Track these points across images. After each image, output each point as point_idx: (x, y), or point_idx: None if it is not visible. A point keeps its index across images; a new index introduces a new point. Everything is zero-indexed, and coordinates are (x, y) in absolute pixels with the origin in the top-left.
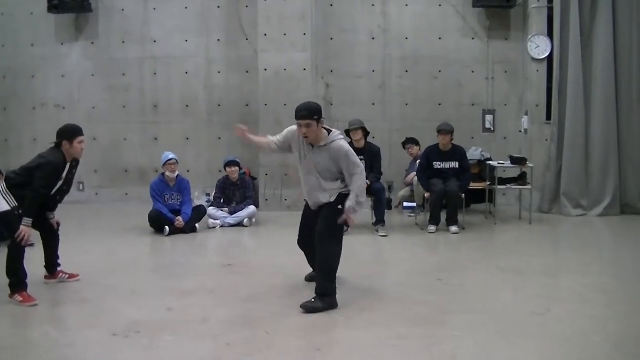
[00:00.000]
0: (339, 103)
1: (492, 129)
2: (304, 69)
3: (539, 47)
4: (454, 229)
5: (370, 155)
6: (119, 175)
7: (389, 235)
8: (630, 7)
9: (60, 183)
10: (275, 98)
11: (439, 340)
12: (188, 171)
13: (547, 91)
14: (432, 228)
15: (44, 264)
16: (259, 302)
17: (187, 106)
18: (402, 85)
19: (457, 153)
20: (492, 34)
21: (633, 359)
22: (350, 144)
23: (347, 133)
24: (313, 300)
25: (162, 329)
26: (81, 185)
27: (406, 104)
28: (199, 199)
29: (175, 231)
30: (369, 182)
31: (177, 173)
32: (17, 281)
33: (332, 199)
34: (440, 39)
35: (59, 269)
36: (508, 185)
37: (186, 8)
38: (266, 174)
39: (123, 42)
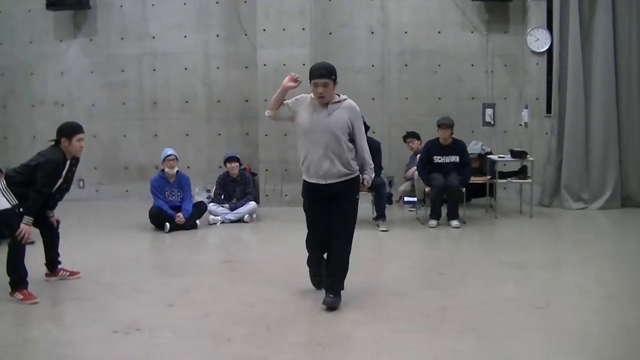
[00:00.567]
0: None
1: (492, 122)
2: (303, 64)
3: (539, 40)
4: (454, 223)
5: (371, 150)
6: (119, 172)
7: (390, 230)
8: None
9: (60, 181)
10: (274, 94)
11: (439, 335)
12: (188, 167)
13: (547, 84)
14: (433, 222)
15: (45, 261)
16: (260, 298)
17: (186, 102)
18: (402, 80)
19: (458, 147)
20: (492, 27)
21: (634, 351)
22: None
23: None
24: (332, 296)
25: (163, 326)
26: (81, 182)
27: (406, 99)
28: (199, 195)
29: (175, 227)
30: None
31: (176, 169)
32: (18, 279)
33: (349, 176)
34: (439, 33)
35: (59, 266)
36: (508, 179)
37: (184, 4)
38: (266, 170)
39: (122, 38)
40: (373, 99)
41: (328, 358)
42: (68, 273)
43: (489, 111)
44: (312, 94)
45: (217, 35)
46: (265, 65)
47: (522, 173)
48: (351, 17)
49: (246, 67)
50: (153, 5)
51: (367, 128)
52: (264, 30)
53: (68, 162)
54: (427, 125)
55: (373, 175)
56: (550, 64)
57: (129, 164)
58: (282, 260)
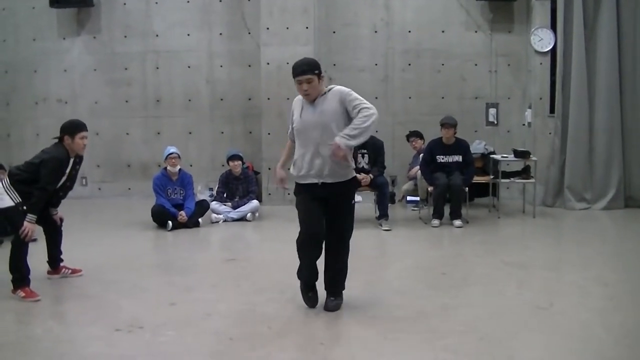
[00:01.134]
0: None
1: (496, 122)
2: None
3: (542, 39)
4: (457, 222)
5: (374, 149)
6: (121, 170)
7: (393, 229)
8: None
9: (63, 179)
10: (278, 92)
11: (442, 335)
12: (191, 165)
13: (550, 84)
14: (436, 222)
15: (47, 259)
16: (262, 296)
17: (189, 100)
18: (405, 79)
19: (461, 147)
20: (495, 26)
21: (636, 351)
22: None
23: None
24: (333, 299)
25: (165, 324)
26: (84, 180)
27: (409, 98)
28: (201, 194)
29: (178, 226)
30: (372, 176)
31: (179, 167)
32: (20, 277)
33: (345, 177)
34: (443, 32)
35: (61, 264)
36: (512, 179)
37: (188, 2)
38: (269, 168)
39: (125, 36)
40: (376, 97)
41: (330, 357)
42: (70, 271)
43: (492, 111)
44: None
45: (221, 34)
46: (268, 63)
47: (525, 173)
48: (355, 15)
49: (249, 66)
50: (156, 3)
51: None
52: (268, 28)
53: (72, 160)
54: (430, 125)
55: (345, 139)
56: (554, 63)
57: (132, 162)
58: (284, 259)
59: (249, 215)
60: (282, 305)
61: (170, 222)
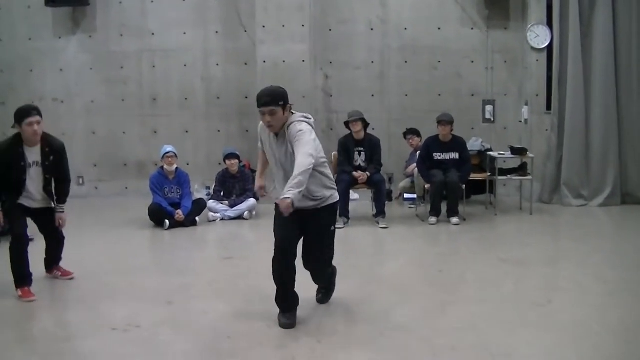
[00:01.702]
0: (338, 94)
1: (492, 119)
2: (303, 61)
3: (539, 36)
4: (454, 220)
5: (370, 147)
6: (118, 169)
7: (390, 226)
8: None
9: (29, 169)
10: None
11: (439, 331)
12: (187, 164)
13: (547, 81)
14: (433, 219)
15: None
16: (260, 294)
17: (185, 99)
18: (401, 76)
19: (457, 144)
20: (492, 23)
21: (633, 347)
22: (350, 135)
23: (347, 124)
24: (324, 291)
25: (163, 323)
26: (81, 180)
27: (405, 95)
28: (198, 192)
29: (175, 225)
30: (369, 174)
31: (175, 166)
32: (17, 277)
33: (320, 204)
34: (439, 29)
35: (54, 265)
36: (508, 176)
37: (184, 0)
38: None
39: (121, 35)
40: (373, 95)
41: (327, 355)
42: (60, 273)
43: (488, 108)
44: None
45: (216, 32)
46: (264, 61)
47: (522, 170)
48: (351, 13)
49: (245, 64)
50: (152, 1)
51: (366, 125)
52: (263, 26)
53: (34, 150)
54: (426, 122)
55: (295, 193)
56: (550, 60)
57: (128, 161)
58: None
59: (246, 213)
60: None
61: (167, 221)
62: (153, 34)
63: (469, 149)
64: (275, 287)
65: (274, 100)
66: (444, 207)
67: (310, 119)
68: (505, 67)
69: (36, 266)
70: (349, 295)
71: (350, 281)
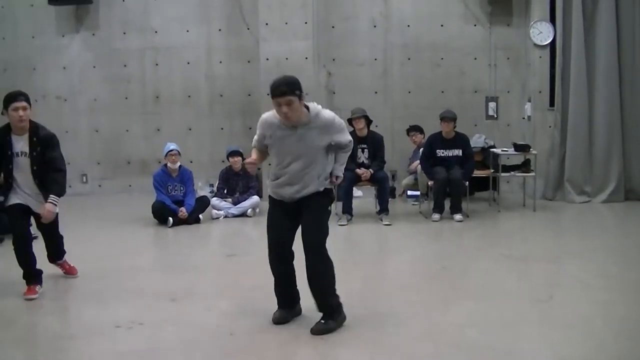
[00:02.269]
0: (341, 91)
1: (495, 116)
2: (306, 58)
3: (542, 33)
4: (457, 216)
5: (373, 144)
6: (121, 167)
7: (393, 223)
8: None
9: (15, 157)
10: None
11: (442, 328)
12: (191, 162)
13: (550, 77)
14: (436, 216)
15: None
16: (262, 291)
17: (188, 96)
18: (404, 73)
19: (460, 141)
20: (494, 20)
21: (636, 344)
22: (353, 132)
23: (350, 122)
24: (323, 322)
25: (166, 320)
26: (84, 178)
27: (408, 92)
28: (202, 190)
29: (178, 222)
30: (372, 171)
31: (179, 164)
32: (24, 274)
33: (317, 189)
34: (442, 25)
35: (59, 261)
36: (512, 173)
37: None
38: (269, 164)
39: (124, 32)
40: (376, 92)
41: (329, 352)
42: (64, 270)
43: (492, 104)
44: (274, 112)
45: (220, 29)
46: (267, 59)
47: (525, 166)
48: (354, 10)
49: (248, 61)
50: None
51: (369, 122)
52: (266, 23)
53: (22, 138)
54: (430, 119)
55: (339, 172)
56: (553, 56)
57: (132, 159)
58: None
59: (249, 211)
60: None
61: (170, 219)
62: (156, 31)
63: (472, 145)
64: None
65: (290, 89)
66: (447, 204)
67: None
68: (508, 63)
69: (45, 263)
70: (351, 292)
71: (353, 278)
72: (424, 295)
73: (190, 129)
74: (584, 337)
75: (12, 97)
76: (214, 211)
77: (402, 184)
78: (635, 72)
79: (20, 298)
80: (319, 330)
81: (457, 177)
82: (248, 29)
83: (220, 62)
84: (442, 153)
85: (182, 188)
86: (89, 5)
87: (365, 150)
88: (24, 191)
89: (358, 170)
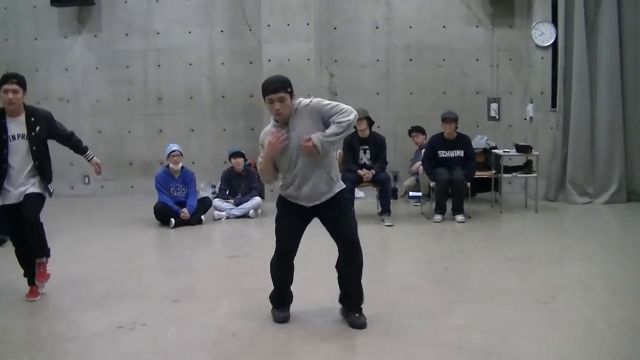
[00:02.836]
0: (343, 93)
1: (497, 117)
2: (308, 59)
3: (544, 34)
4: (459, 217)
5: (375, 145)
6: (124, 168)
7: (395, 224)
8: None
9: (10, 143)
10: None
11: (444, 330)
12: (193, 163)
13: (552, 79)
14: (438, 217)
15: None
16: (265, 292)
17: (191, 98)
18: (407, 74)
19: (462, 142)
20: (496, 21)
21: (638, 345)
22: (355, 133)
23: None
24: (357, 315)
25: (168, 321)
26: (86, 179)
27: (410, 93)
28: (204, 191)
29: (180, 223)
30: (374, 172)
31: (181, 165)
32: (24, 273)
33: (333, 192)
34: (444, 27)
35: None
36: (514, 174)
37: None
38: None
39: (126, 34)
40: (378, 93)
41: (332, 353)
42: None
43: (493, 105)
44: (270, 124)
45: (222, 31)
46: (269, 60)
47: (527, 167)
48: (356, 11)
49: (251, 63)
50: (157, 0)
51: (371, 123)
52: (269, 25)
53: (17, 119)
54: (432, 120)
55: (321, 137)
56: (555, 58)
57: (134, 160)
58: None
59: (251, 212)
60: None
61: (172, 220)
62: (158, 33)
63: (474, 146)
64: (273, 285)
65: (283, 86)
66: (449, 204)
67: None
68: (510, 65)
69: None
70: None
71: None
72: (425, 296)
73: (192, 130)
74: (586, 338)
75: (4, 79)
76: (216, 212)
77: (404, 185)
78: (637, 73)
79: (22, 299)
80: (364, 324)
81: (459, 178)
82: (250, 30)
83: (223, 63)
84: (444, 154)
85: (184, 189)
86: (91, 7)
87: (367, 151)
88: (12, 183)
89: (360, 171)
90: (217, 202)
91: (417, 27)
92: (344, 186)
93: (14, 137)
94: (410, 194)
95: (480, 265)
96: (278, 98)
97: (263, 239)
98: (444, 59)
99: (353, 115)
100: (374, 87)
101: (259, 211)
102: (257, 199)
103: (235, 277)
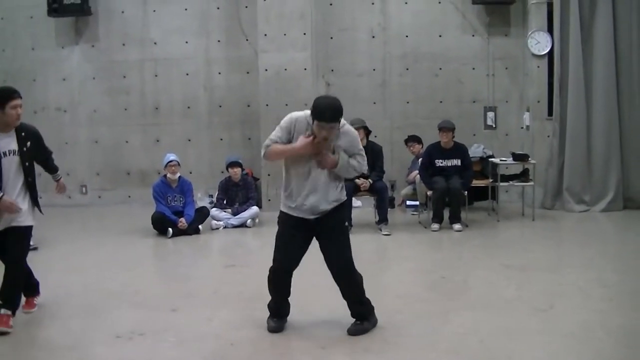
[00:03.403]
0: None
1: (494, 125)
2: (305, 69)
3: (539, 43)
4: (457, 226)
5: (372, 154)
6: (121, 178)
7: (392, 233)
8: (630, 1)
9: (2, 160)
10: (276, 98)
11: (442, 337)
12: (190, 172)
13: (548, 87)
14: (435, 226)
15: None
16: (263, 302)
17: (188, 107)
18: (403, 83)
19: (459, 150)
20: (492, 30)
21: (636, 352)
22: None
23: None
24: (359, 322)
25: (166, 330)
26: (84, 189)
27: (407, 102)
28: (201, 200)
29: (178, 233)
30: (371, 181)
31: (178, 174)
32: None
33: (332, 205)
34: (440, 36)
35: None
36: (510, 182)
37: (186, 9)
38: (268, 174)
39: (123, 44)
40: (374, 102)
41: None
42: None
43: (490, 114)
44: (306, 115)
45: (219, 41)
46: (266, 70)
47: (524, 176)
48: (352, 20)
49: (247, 72)
50: (154, 11)
51: (368, 132)
52: (265, 34)
53: (6, 138)
54: (428, 129)
55: (343, 162)
56: (551, 66)
57: (131, 170)
58: None
59: (249, 221)
60: None
61: (170, 229)
62: (155, 43)
63: (470, 155)
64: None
65: (337, 117)
66: (446, 213)
67: None
68: (506, 73)
69: (45, 274)
70: None
71: None
72: (423, 304)
73: (189, 140)
74: (583, 345)
75: (9, 95)
76: (214, 222)
77: (401, 193)
78: (632, 81)
79: (20, 309)
80: (356, 331)
81: (456, 186)
82: (247, 40)
83: (219, 73)
84: (441, 163)
85: (181, 199)
86: (88, 17)
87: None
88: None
89: (357, 180)
90: (214, 211)
91: (413, 36)
92: (345, 198)
93: (5, 154)
94: (408, 202)
95: (477, 274)
96: (329, 127)
97: (261, 248)
98: (440, 68)
99: (365, 168)
100: (371, 96)
101: (257, 220)
102: (255, 209)
103: (233, 287)
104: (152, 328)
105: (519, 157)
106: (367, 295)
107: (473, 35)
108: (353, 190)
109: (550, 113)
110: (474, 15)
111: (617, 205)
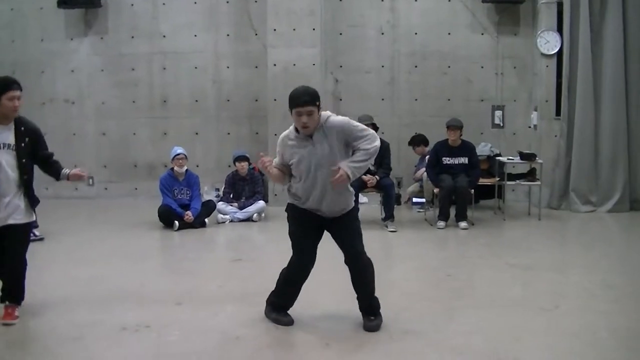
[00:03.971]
0: (347, 98)
1: (502, 124)
2: (313, 64)
3: (549, 42)
4: (462, 224)
5: (380, 151)
6: (128, 170)
7: (398, 230)
8: None
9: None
10: (284, 93)
11: (447, 336)
12: (197, 166)
13: (556, 87)
14: (441, 224)
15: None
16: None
17: (196, 101)
18: (411, 81)
19: (466, 149)
20: (502, 29)
21: (639, 355)
22: None
23: None
24: (373, 318)
25: (172, 323)
26: (90, 180)
27: (415, 100)
28: (208, 194)
29: (184, 226)
30: (378, 177)
31: (185, 168)
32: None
33: (350, 205)
34: (449, 34)
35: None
36: (517, 181)
37: (195, 3)
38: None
39: (132, 37)
40: (382, 99)
41: (335, 358)
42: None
43: (498, 113)
44: (290, 129)
45: (227, 35)
46: (275, 65)
47: (530, 175)
48: (361, 17)
49: (256, 67)
50: (164, 4)
51: (376, 129)
52: (274, 30)
53: (3, 130)
54: (436, 127)
55: (353, 166)
56: (560, 66)
57: (139, 162)
58: None
59: (255, 215)
60: None
61: (176, 223)
62: (164, 36)
63: (478, 154)
64: (279, 286)
65: (312, 100)
66: (452, 211)
67: None
68: (514, 72)
69: (51, 266)
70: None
71: None
72: (429, 302)
73: (197, 134)
74: (588, 346)
75: (7, 85)
76: (220, 215)
77: (408, 191)
78: None
79: (27, 301)
80: (375, 327)
81: (463, 185)
82: (256, 34)
83: (228, 67)
84: (448, 161)
85: (188, 192)
86: (97, 9)
87: None
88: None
89: (364, 177)
90: (221, 205)
91: (422, 33)
92: (353, 205)
93: (0, 147)
94: (414, 200)
95: (483, 272)
96: (306, 112)
97: (267, 242)
98: (448, 66)
99: (378, 141)
100: (379, 93)
101: (263, 215)
102: (261, 203)
103: (239, 281)
104: (157, 321)
105: (526, 157)
106: None
107: (482, 34)
108: (359, 186)
109: (558, 113)
110: (484, 13)
111: (624, 206)
